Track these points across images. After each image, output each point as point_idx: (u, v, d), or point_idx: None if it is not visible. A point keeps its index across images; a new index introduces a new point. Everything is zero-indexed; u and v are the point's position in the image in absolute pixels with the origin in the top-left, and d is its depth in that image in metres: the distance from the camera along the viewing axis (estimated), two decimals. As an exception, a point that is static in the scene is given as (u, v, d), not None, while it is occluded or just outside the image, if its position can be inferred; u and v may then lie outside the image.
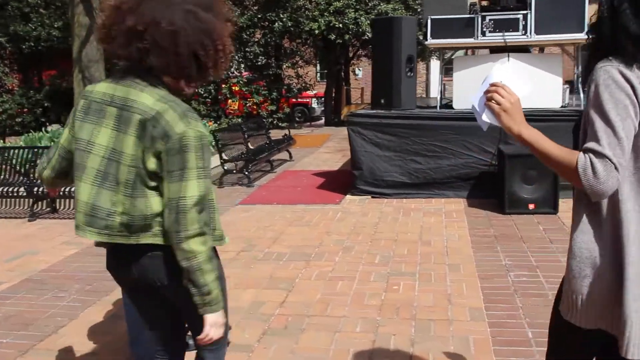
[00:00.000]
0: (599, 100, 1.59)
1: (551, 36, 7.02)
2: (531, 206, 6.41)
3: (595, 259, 1.70)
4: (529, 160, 6.38)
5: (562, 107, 7.27)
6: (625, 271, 1.65)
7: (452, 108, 7.52)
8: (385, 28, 7.42)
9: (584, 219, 1.73)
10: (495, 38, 7.16)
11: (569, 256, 1.76)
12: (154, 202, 1.84)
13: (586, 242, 1.72)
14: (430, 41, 7.42)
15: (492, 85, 1.75)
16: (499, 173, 6.87)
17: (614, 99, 1.58)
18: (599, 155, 1.56)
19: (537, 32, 6.99)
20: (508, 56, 7.10)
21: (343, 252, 5.27)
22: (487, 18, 7.10)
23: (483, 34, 7.16)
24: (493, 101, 1.74)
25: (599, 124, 1.59)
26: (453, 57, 8.18)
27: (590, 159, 1.57)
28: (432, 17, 7.33)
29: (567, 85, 7.56)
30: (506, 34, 7.06)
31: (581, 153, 1.60)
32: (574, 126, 1.98)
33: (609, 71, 1.60)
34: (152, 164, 1.81)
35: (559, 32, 6.95)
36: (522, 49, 7.53)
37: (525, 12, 7.00)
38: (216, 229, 2.02)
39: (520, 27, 7.02)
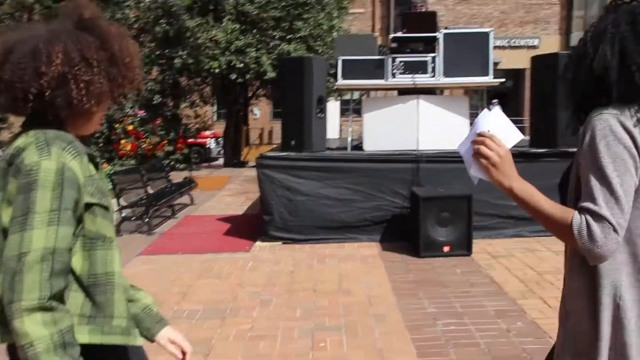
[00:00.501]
0: (594, 153, 1.42)
1: (458, 79, 7.15)
2: (446, 248, 6.36)
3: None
4: (443, 202, 6.37)
5: (469, 148, 7.38)
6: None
7: (362, 150, 7.41)
8: (295, 68, 7.23)
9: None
10: (405, 80, 7.18)
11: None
12: None
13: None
14: (340, 82, 7.33)
15: (480, 135, 1.56)
16: (412, 216, 6.79)
17: (612, 152, 1.41)
18: (596, 216, 1.39)
19: (446, 75, 7.10)
20: (418, 98, 7.14)
21: (260, 307, 4.89)
22: (397, 60, 7.12)
23: (393, 75, 7.17)
24: (480, 154, 1.55)
25: (594, 181, 1.42)
26: (358, 98, 8.13)
27: (586, 220, 1.39)
28: (343, 57, 7.26)
29: (473, 127, 7.71)
30: (416, 76, 7.10)
31: (576, 212, 1.42)
32: (561, 180, 1.78)
33: (607, 120, 1.43)
34: (6, 216, 1.35)
35: (466, 75, 7.09)
36: (430, 91, 7.62)
37: (433, 55, 7.09)
38: (114, 317, 1.46)
39: (429, 69, 7.10)
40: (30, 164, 1.33)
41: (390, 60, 7.16)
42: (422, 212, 6.30)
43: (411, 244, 6.69)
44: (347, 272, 5.88)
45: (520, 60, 26.70)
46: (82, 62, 1.41)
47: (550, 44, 27.03)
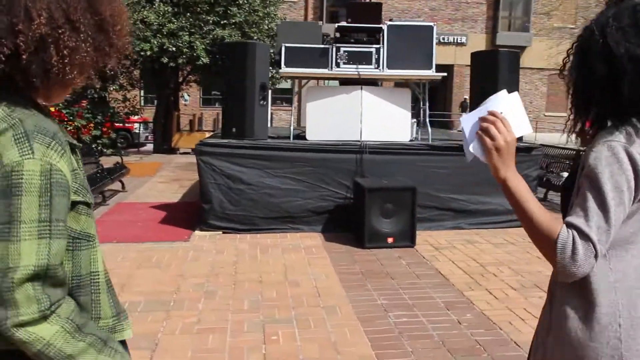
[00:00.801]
0: (597, 177, 1.41)
1: (402, 71, 7.17)
2: (390, 240, 6.37)
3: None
4: (388, 194, 6.37)
5: (410, 140, 7.43)
6: None
7: (305, 139, 7.31)
8: (238, 53, 7.02)
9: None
10: (349, 70, 7.12)
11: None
12: None
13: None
14: (284, 69, 7.18)
15: (491, 113, 1.50)
16: (355, 206, 6.76)
17: (614, 181, 1.40)
18: (584, 236, 1.37)
19: (389, 67, 7.09)
20: (361, 89, 7.11)
21: (206, 298, 4.71)
22: (342, 50, 7.05)
23: (337, 65, 7.09)
24: (487, 133, 1.49)
25: (591, 203, 1.40)
26: (302, 87, 8.01)
27: (573, 237, 1.37)
28: (286, 44, 7.11)
29: (415, 120, 7.76)
30: (360, 66, 7.06)
31: (564, 226, 1.39)
32: (564, 183, 1.76)
33: (615, 148, 1.42)
34: None
35: (409, 68, 7.12)
36: (373, 82, 7.61)
37: (378, 46, 7.07)
38: (101, 317, 1.33)
39: (373, 60, 7.07)
40: (10, 165, 1.12)
41: (334, 49, 7.08)
42: (367, 203, 6.27)
43: (354, 234, 6.67)
44: (292, 263, 5.78)
45: (448, 56, 27.39)
46: (66, 24, 1.21)
47: (477, 41, 27.85)
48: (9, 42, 1.16)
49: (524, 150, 7.36)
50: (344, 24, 7.28)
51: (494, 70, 7.13)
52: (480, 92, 7.42)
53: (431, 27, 7.08)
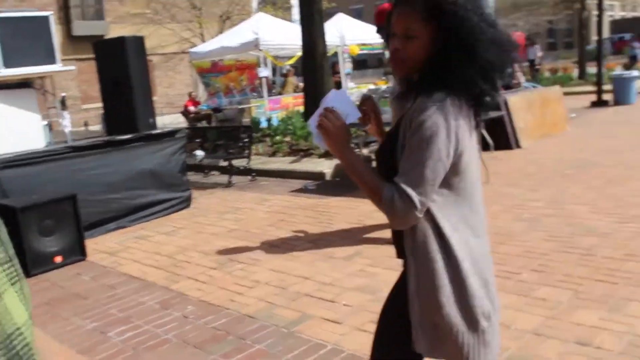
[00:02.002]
0: (418, 137, 1.61)
1: (24, 69, 6.31)
2: (58, 259, 5.67)
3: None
4: (44, 209, 5.64)
5: (47, 145, 6.68)
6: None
7: None
8: None
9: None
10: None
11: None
12: None
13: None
14: None
15: (325, 109, 1.75)
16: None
17: (434, 140, 1.59)
18: (402, 193, 1.60)
19: (7, 65, 6.16)
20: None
21: None
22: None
23: None
24: (321, 125, 1.75)
25: (410, 162, 1.62)
26: None
27: (393, 194, 1.61)
28: None
29: (47, 122, 6.97)
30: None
31: (388, 185, 1.64)
32: (380, 147, 1.94)
33: (435, 111, 1.60)
34: None
35: (32, 64, 6.31)
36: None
37: (-12, 43, 6.05)
38: None
39: (-15, 60, 6.03)
40: None
41: None
42: (22, 225, 5.41)
43: (10, 264, 5.72)
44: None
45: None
46: None
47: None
48: None
49: (168, 135, 7.39)
50: None
51: (122, 57, 6.88)
52: (111, 84, 7.11)
53: (47, 18, 6.37)
